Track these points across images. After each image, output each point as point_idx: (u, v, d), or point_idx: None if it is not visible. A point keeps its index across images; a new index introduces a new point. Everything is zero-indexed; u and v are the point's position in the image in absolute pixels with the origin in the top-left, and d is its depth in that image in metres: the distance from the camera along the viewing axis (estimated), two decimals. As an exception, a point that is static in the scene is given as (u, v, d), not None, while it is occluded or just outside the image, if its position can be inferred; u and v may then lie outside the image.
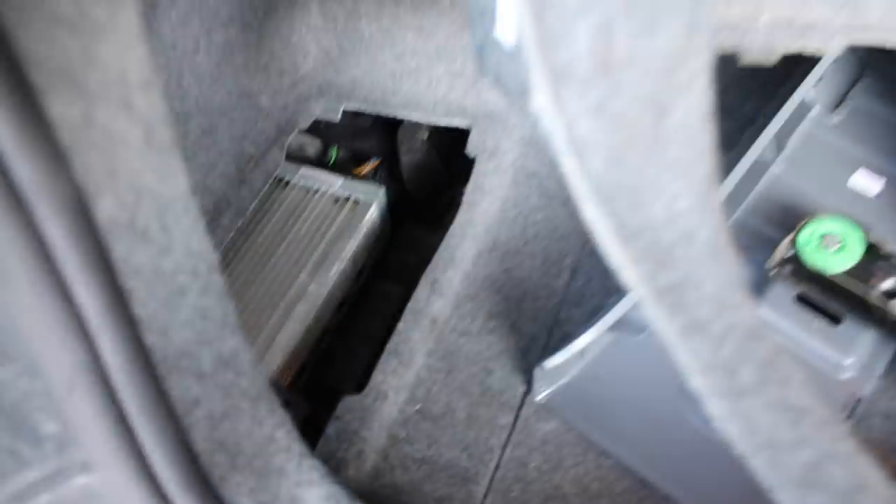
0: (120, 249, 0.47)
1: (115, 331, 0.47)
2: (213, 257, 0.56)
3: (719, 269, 0.44)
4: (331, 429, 1.00)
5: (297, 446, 0.66)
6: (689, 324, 0.45)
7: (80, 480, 0.52)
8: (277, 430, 0.64)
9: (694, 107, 0.37)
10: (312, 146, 1.50)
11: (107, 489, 0.51)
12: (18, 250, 0.42)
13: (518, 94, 0.37)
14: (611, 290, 1.12)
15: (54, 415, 0.49)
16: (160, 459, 0.52)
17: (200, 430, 0.55)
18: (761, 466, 0.47)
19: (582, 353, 1.02)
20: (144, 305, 0.49)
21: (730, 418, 0.46)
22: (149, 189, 0.48)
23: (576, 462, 0.99)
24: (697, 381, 0.46)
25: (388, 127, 1.41)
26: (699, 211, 0.43)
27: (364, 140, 1.43)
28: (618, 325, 1.00)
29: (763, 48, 0.65)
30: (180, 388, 0.53)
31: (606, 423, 1.01)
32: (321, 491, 0.66)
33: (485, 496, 0.97)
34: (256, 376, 0.62)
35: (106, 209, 0.45)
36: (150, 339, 0.50)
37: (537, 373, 1.00)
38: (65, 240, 0.44)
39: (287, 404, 1.04)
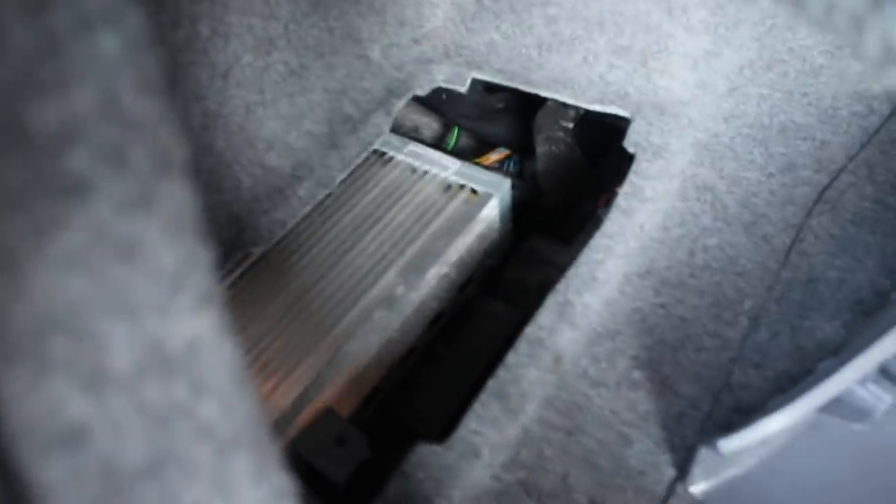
0: None
1: None
2: None
3: None
4: (392, 488, 0.71)
5: None
6: None
7: None
8: None
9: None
10: (429, 128, 1.23)
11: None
12: None
13: None
14: (807, 352, 0.81)
15: None
16: None
17: None
18: None
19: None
20: None
21: None
22: None
23: None
24: None
25: (526, 109, 1.13)
26: None
27: (493, 123, 1.16)
28: (829, 406, 0.68)
29: None
30: None
31: (795, 544, 0.69)
32: None
33: None
34: None
35: None
36: None
37: (701, 454, 0.69)
38: None
39: (340, 441, 0.77)
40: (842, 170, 0.92)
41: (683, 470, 0.73)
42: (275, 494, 0.35)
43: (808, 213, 0.90)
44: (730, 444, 0.66)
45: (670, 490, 0.73)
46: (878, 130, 0.95)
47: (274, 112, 0.96)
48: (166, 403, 0.31)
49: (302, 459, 0.76)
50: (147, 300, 0.29)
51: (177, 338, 0.30)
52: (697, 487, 0.72)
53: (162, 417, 0.31)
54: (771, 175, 0.94)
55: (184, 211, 0.29)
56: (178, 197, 0.29)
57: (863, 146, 0.94)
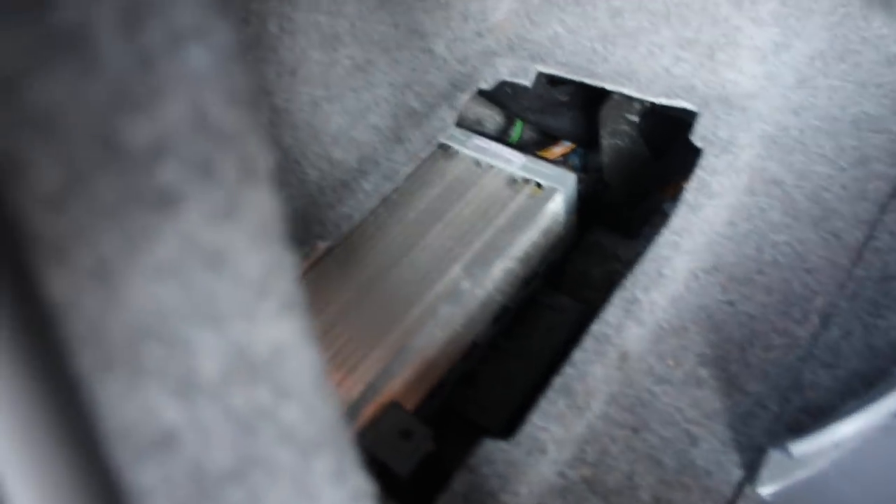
0: None
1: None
2: None
3: None
4: (458, 482, 0.72)
5: None
6: None
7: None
8: None
9: None
10: (493, 120, 1.23)
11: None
12: None
13: None
14: (880, 352, 0.79)
15: None
16: None
17: None
18: None
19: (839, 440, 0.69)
20: None
21: None
22: None
23: None
24: None
25: (590, 102, 1.12)
26: None
27: (557, 116, 1.15)
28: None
29: None
30: None
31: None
32: None
33: None
34: None
35: None
36: None
37: (771, 457, 0.68)
38: None
39: (405, 434, 0.78)
40: (918, 163, 0.90)
41: (751, 471, 0.72)
42: (354, 495, 0.36)
43: (882, 209, 0.88)
44: (801, 446, 0.65)
45: (738, 491, 0.72)
46: (956, 121, 0.92)
47: (340, 107, 0.97)
48: (251, 408, 0.32)
49: (367, 452, 0.78)
50: (234, 307, 0.30)
51: (262, 344, 0.31)
52: (766, 489, 0.71)
53: (247, 422, 0.32)
54: (842, 169, 0.92)
55: (269, 218, 0.30)
56: (265, 205, 0.29)
57: (940, 138, 0.91)
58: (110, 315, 0.27)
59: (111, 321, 0.27)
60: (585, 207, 1.06)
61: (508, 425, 0.79)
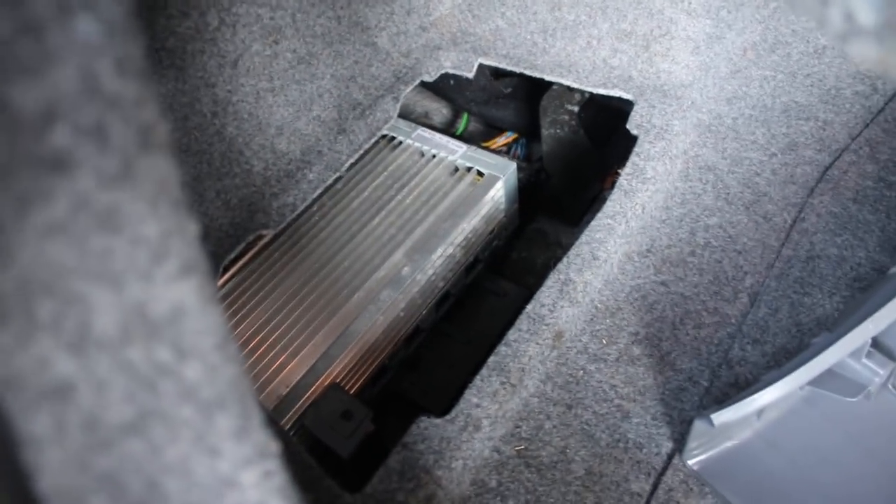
0: None
1: None
2: None
3: None
4: (395, 459, 0.73)
5: None
6: None
7: None
8: None
9: None
10: (440, 113, 1.25)
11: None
12: None
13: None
14: (806, 328, 0.82)
15: None
16: None
17: None
18: None
19: (762, 409, 0.71)
20: None
21: None
22: None
23: (736, 563, 0.69)
24: None
25: (533, 94, 1.14)
26: None
27: (501, 108, 1.17)
28: (823, 380, 0.69)
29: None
30: None
31: (787, 513, 0.70)
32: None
33: (598, 591, 0.68)
34: None
35: None
36: None
37: (696, 427, 0.70)
38: None
39: (346, 415, 0.79)
40: (844, 149, 0.93)
41: (681, 443, 0.75)
42: (257, 453, 0.38)
43: (810, 192, 0.91)
44: (721, 416, 0.68)
45: (667, 462, 0.74)
46: (881, 110, 0.95)
47: (283, 99, 0.98)
48: (151, 365, 0.33)
49: (309, 433, 0.79)
50: (130, 267, 0.31)
51: (161, 303, 0.32)
52: (694, 459, 0.74)
53: (146, 378, 0.33)
54: (773, 155, 0.95)
55: (167, 183, 0.31)
56: (161, 170, 0.30)
57: (866, 125, 0.94)
58: (2, 270, 0.28)
59: (3, 276, 0.28)
60: (528, 196, 1.08)
61: (450, 408, 0.80)
